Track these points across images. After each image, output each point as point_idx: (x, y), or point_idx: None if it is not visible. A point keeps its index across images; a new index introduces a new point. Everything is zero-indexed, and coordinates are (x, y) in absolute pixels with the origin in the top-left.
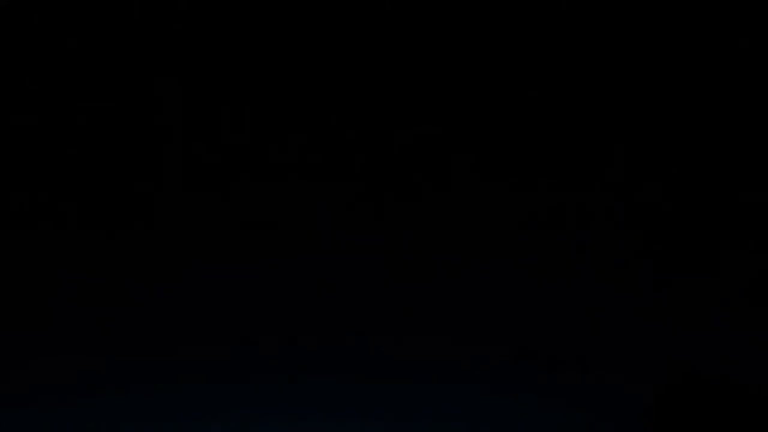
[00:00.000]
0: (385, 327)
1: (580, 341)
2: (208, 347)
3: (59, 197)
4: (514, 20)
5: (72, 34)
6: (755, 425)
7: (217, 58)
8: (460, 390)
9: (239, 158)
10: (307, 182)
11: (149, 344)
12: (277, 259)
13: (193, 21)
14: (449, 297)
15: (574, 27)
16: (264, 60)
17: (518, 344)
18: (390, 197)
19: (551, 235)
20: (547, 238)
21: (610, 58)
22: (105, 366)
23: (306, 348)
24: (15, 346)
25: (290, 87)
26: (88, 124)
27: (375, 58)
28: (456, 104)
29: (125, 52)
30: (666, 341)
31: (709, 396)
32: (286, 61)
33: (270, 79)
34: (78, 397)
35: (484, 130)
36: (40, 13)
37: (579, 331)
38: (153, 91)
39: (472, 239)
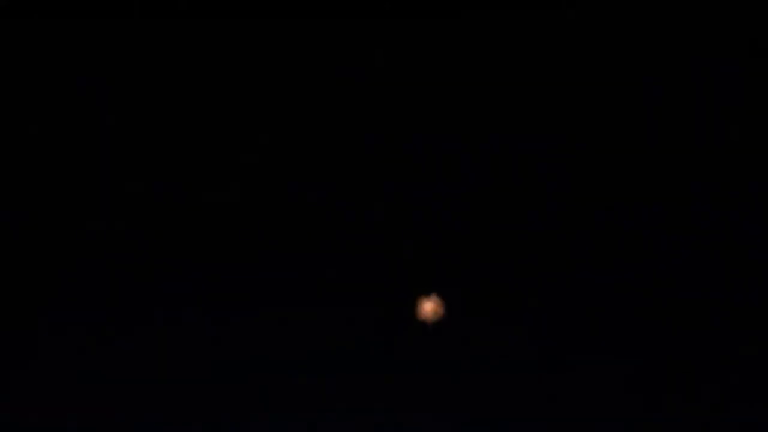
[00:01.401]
0: (385, 327)
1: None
2: (207, 349)
3: (58, 198)
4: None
5: (72, 34)
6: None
7: (217, 58)
8: (458, 394)
9: (238, 158)
10: (307, 182)
11: (149, 344)
12: (277, 259)
13: (193, 21)
14: (450, 298)
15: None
16: (264, 60)
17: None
18: (391, 197)
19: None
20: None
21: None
22: (105, 366)
23: (306, 348)
24: (15, 346)
25: (290, 88)
26: (89, 124)
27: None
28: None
29: (125, 52)
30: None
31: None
32: (285, 62)
33: (270, 79)
34: (78, 397)
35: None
36: (40, 13)
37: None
38: (153, 91)
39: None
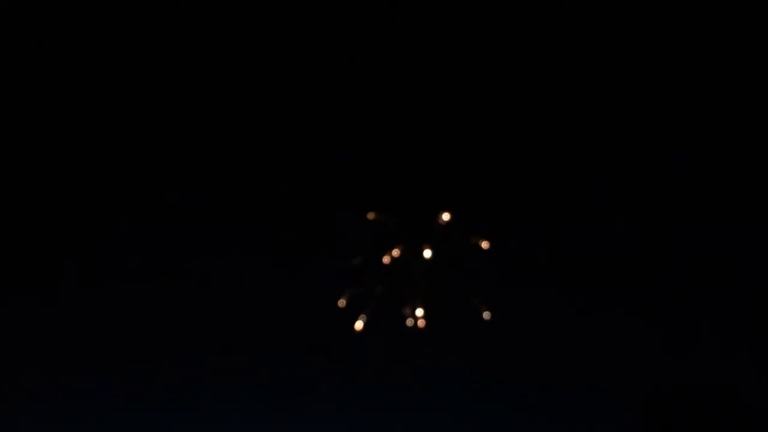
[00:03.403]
0: (387, 327)
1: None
2: (209, 349)
3: (60, 200)
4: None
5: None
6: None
7: (218, 60)
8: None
9: (241, 159)
10: (309, 184)
11: (150, 345)
12: (280, 259)
13: (193, 21)
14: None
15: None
16: (265, 62)
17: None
18: (396, 198)
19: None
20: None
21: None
22: (105, 366)
23: (310, 351)
24: (15, 346)
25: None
26: (92, 124)
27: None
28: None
29: (126, 52)
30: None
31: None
32: (286, 65)
33: (271, 80)
34: (80, 398)
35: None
36: (40, 14)
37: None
38: (153, 91)
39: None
